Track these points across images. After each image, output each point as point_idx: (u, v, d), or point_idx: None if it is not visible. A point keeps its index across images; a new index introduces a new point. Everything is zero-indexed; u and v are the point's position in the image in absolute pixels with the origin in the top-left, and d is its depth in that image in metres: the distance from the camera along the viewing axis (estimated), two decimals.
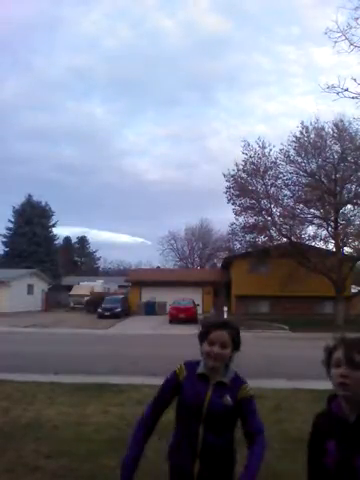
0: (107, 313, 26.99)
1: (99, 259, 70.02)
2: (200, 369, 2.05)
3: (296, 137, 25.04)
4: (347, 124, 24.44)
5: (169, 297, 28.28)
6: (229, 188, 26.02)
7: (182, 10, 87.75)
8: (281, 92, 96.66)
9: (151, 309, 30.14)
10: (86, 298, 33.58)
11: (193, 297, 28.28)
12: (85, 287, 36.97)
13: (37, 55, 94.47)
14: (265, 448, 2.00)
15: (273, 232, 25.73)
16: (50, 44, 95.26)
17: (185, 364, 2.12)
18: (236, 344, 2.06)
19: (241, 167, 25.47)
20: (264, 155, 25.18)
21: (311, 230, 26.36)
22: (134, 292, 34.29)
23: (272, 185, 25.84)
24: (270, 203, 25.84)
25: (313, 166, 25.38)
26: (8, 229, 45.29)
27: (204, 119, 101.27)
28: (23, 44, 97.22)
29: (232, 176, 25.74)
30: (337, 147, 24.79)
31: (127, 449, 2.04)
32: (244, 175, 25.62)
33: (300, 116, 59.54)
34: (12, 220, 45.33)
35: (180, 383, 2.06)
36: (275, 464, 3.79)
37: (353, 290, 31.64)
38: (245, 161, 25.31)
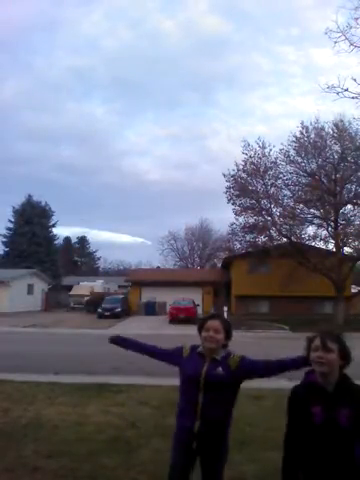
0: (107, 313, 26.96)
1: (99, 259, 70.08)
2: (199, 349, 2.60)
3: (296, 137, 25.03)
4: (347, 124, 24.45)
5: (169, 297, 28.25)
6: (229, 188, 25.98)
7: (182, 11, 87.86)
8: (281, 93, 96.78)
9: (151, 309, 30.12)
10: (86, 298, 33.57)
11: (193, 297, 28.25)
12: (85, 287, 36.94)
13: (37, 56, 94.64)
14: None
15: (273, 232, 25.69)
16: (50, 45, 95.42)
17: (190, 346, 2.68)
18: (228, 333, 2.61)
19: (241, 167, 25.45)
20: (264, 155, 25.16)
21: (311, 230, 26.34)
22: (134, 292, 34.27)
23: (272, 185, 25.79)
24: (270, 203, 25.81)
25: (313, 166, 25.35)
26: (8, 229, 45.25)
27: (204, 119, 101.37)
28: (23, 45, 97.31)
29: (232, 176, 25.71)
30: (337, 147, 24.77)
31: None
32: (244, 175, 25.58)
33: (300, 116, 59.42)
34: (12, 220, 45.31)
35: (182, 358, 2.64)
36: (278, 462, 3.78)
37: (353, 290, 31.63)
38: (245, 161, 25.29)
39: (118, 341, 2.96)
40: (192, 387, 2.51)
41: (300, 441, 2.07)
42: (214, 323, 2.56)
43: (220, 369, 2.48)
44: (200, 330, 2.60)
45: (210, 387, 2.46)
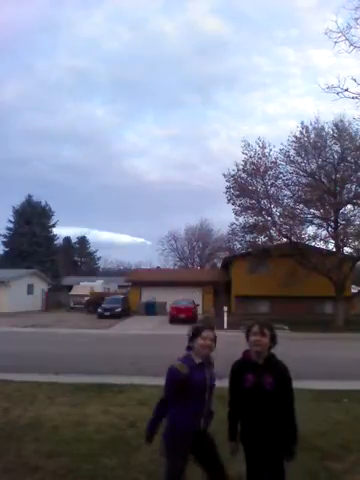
0: (107, 313, 26.95)
1: (99, 259, 70.09)
2: (197, 360, 2.89)
3: (296, 137, 25.00)
4: (347, 124, 24.44)
5: (169, 297, 28.26)
6: (229, 188, 25.95)
7: (183, 13, 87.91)
8: (281, 93, 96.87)
9: (151, 309, 30.11)
10: (86, 298, 33.58)
11: (193, 297, 28.25)
12: (85, 287, 36.94)
13: (38, 57, 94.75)
14: None
15: (273, 232, 25.64)
16: (51, 46, 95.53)
17: (181, 361, 2.88)
18: (215, 341, 3.02)
19: (241, 167, 25.40)
20: (264, 155, 25.11)
21: (311, 230, 26.30)
22: (134, 292, 34.27)
23: (272, 185, 25.76)
24: (270, 203, 25.79)
25: (313, 166, 25.33)
26: (8, 229, 45.31)
27: (204, 120, 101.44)
28: (25, 46, 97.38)
29: (232, 176, 25.68)
30: (337, 147, 24.75)
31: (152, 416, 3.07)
32: (244, 175, 25.55)
33: (299, 117, 60.02)
34: (12, 220, 45.37)
35: (186, 375, 2.79)
36: None
37: (353, 290, 31.62)
38: (245, 161, 25.25)
39: (151, 434, 3.03)
40: (200, 391, 2.86)
41: (237, 401, 2.86)
42: (211, 334, 2.96)
43: (214, 371, 2.99)
44: (194, 337, 2.93)
45: (211, 387, 2.94)
